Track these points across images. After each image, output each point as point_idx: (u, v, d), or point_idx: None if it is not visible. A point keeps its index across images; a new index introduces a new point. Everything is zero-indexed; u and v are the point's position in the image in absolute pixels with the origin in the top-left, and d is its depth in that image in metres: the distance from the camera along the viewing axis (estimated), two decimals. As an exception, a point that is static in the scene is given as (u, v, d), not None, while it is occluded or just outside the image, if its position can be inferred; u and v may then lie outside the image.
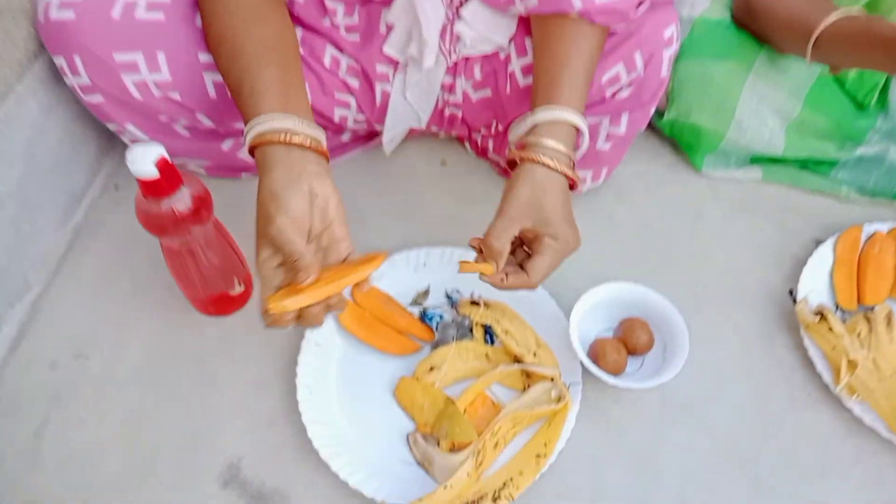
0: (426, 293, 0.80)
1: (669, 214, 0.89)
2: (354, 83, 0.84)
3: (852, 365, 0.71)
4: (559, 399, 0.68)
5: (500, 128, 0.86)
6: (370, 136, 0.95)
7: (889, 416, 0.69)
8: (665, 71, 0.75)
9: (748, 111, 0.87)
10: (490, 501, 0.63)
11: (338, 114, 0.85)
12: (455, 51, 0.80)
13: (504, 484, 0.64)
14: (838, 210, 0.90)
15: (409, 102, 0.85)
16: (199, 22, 0.73)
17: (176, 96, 0.75)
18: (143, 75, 0.71)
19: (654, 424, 0.71)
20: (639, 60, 0.73)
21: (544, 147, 0.62)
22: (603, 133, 0.80)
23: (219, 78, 0.76)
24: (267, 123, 0.59)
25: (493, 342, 0.76)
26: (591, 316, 0.75)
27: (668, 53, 0.74)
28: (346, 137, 0.92)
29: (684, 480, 0.67)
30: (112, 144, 0.92)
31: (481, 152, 0.94)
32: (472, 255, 0.65)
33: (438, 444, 0.67)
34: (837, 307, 0.79)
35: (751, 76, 0.86)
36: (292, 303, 0.55)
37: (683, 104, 0.89)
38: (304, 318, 0.57)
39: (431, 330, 0.76)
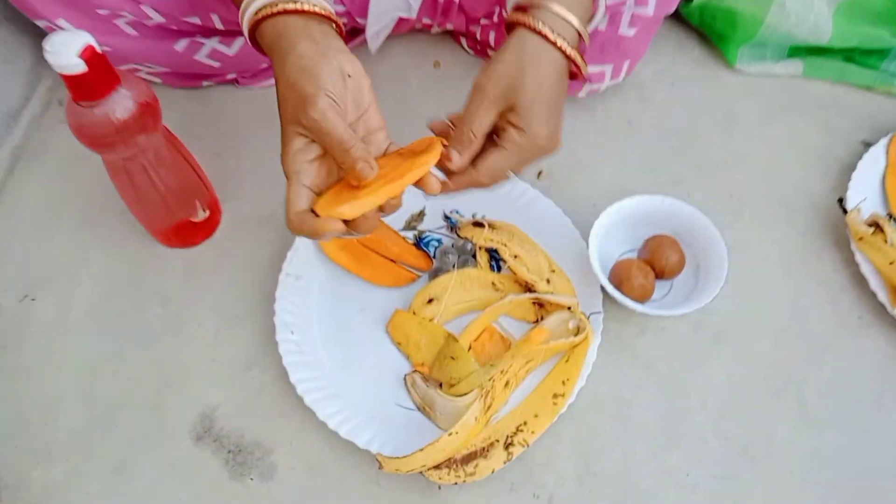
0: (421, 215, 0.69)
1: (698, 116, 0.78)
2: (330, -37, 0.70)
3: (912, 282, 0.62)
4: (578, 331, 0.59)
5: (504, 15, 0.73)
6: (352, 34, 0.81)
7: (954, 339, 0.60)
8: None
9: (792, -10, 0.74)
10: (502, 449, 0.55)
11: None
12: None
13: (517, 429, 0.56)
14: (890, 108, 0.79)
15: (396, -15, 0.71)
16: None
17: None
18: None
19: (685, 355, 0.62)
20: None
21: (548, 12, 0.50)
22: (627, 15, 0.67)
23: None
24: None
25: (499, 269, 0.66)
26: (613, 235, 0.65)
27: None
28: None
29: (720, 417, 0.59)
30: (50, 52, 0.79)
31: (481, 49, 0.81)
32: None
33: (441, 386, 0.59)
34: (891, 217, 0.69)
35: (796, -52, 0.73)
36: (351, 209, 0.44)
37: (718, -18, 0.76)
38: (356, 226, 0.46)
39: (429, 257, 0.67)
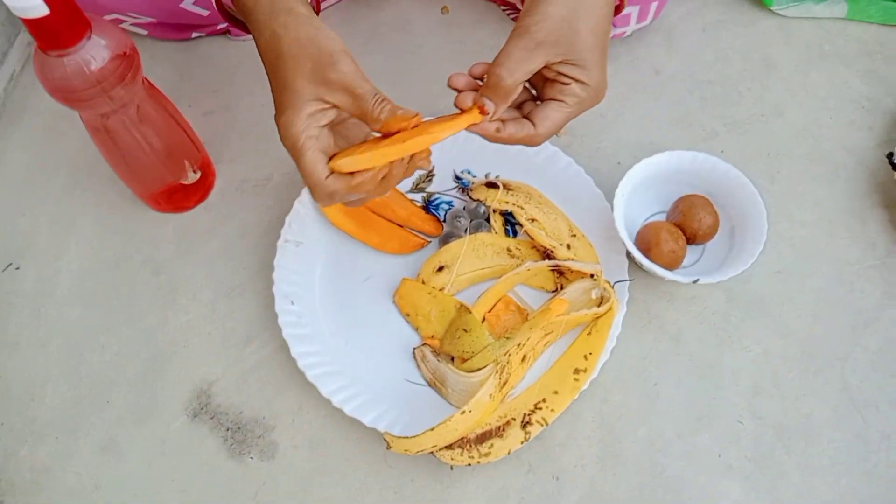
0: (430, 175, 0.64)
1: (732, 64, 0.71)
2: None
3: (970, 246, 0.56)
4: (601, 301, 0.54)
5: None
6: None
7: None
8: None
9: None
10: (519, 428, 0.51)
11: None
12: None
13: (535, 406, 0.52)
14: (943, 53, 0.72)
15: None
16: None
17: None
18: None
19: (717, 328, 0.58)
20: None
21: None
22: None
23: None
24: None
25: (515, 234, 0.61)
26: (640, 196, 0.60)
27: None
28: (321, -20, 0.73)
29: (755, 395, 0.55)
30: None
31: (492, -7, 0.75)
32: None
33: (452, 361, 0.55)
34: (945, 174, 0.63)
35: None
36: (379, 156, 0.43)
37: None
38: (388, 179, 0.45)
39: (438, 221, 0.62)
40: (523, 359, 0.53)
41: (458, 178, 0.64)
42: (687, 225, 0.58)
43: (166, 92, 0.58)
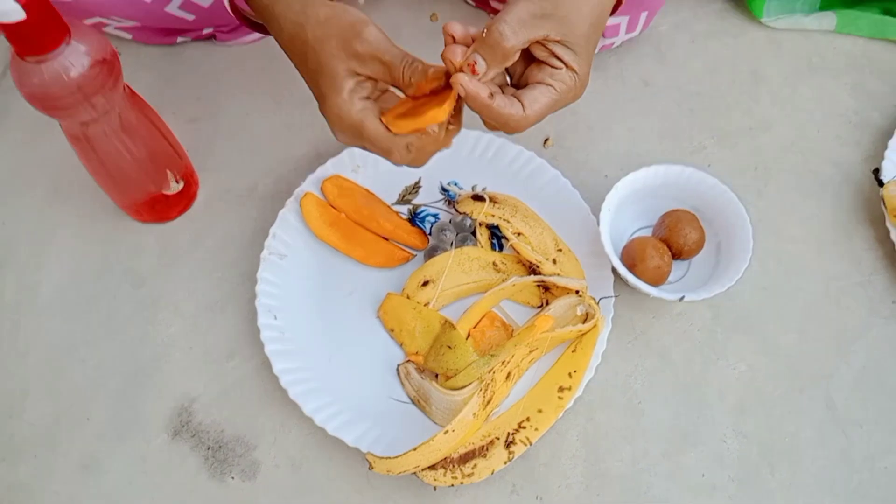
0: (416, 187, 0.64)
1: (720, 76, 0.71)
2: None
3: (954, 264, 0.56)
4: (587, 318, 0.54)
5: None
6: (338, -16, 0.74)
7: None
8: None
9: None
10: (503, 447, 0.51)
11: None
12: None
13: (519, 425, 0.52)
14: (931, 67, 0.72)
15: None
16: None
17: None
18: None
19: (703, 345, 0.57)
20: None
21: None
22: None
23: None
24: None
25: (501, 247, 0.61)
26: (626, 210, 0.60)
27: None
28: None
29: (740, 414, 0.55)
30: None
31: (482, 0, 0.74)
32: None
33: (437, 378, 0.54)
34: (931, 190, 0.63)
35: None
36: (448, 104, 0.43)
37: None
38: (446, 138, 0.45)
39: (424, 234, 0.61)
40: (508, 376, 0.53)
41: (444, 190, 0.64)
42: (673, 240, 0.58)
43: (150, 98, 0.58)
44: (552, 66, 0.44)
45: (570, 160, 0.66)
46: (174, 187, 0.60)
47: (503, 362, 0.52)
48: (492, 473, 0.50)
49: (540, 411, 0.52)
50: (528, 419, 0.52)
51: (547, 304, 0.57)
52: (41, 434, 0.54)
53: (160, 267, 0.61)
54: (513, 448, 0.51)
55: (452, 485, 0.50)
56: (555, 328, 0.54)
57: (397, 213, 0.62)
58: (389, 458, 0.49)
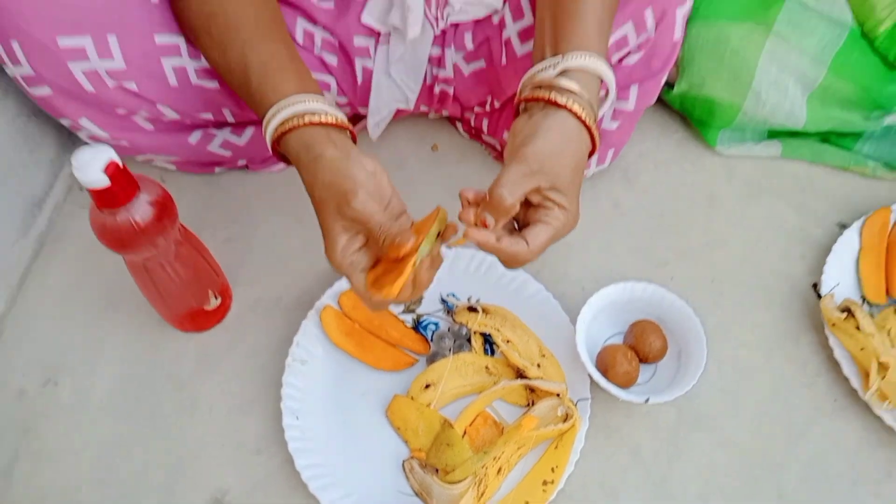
0: (419, 298, 0.74)
1: (681, 198, 0.82)
2: (332, 60, 0.76)
3: (883, 368, 0.65)
4: (566, 418, 0.63)
5: (497, 104, 0.78)
6: (354, 120, 0.87)
7: (924, 424, 0.64)
8: (678, 33, 0.69)
9: (767, 80, 0.79)
10: (494, 534, 0.59)
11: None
12: (443, 16, 0.72)
13: (509, 515, 0.60)
14: (864, 189, 0.83)
15: (394, 80, 0.77)
16: None
17: (132, 86, 0.67)
18: (92, 63, 0.64)
19: (669, 439, 0.66)
20: (650, 19, 0.66)
21: (577, 96, 0.52)
22: (609, 110, 0.72)
23: (179, 63, 0.68)
24: (297, 105, 0.54)
25: (493, 352, 0.70)
26: (600, 319, 0.69)
27: (682, 12, 0.68)
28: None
29: (704, 500, 0.63)
30: (73, 139, 0.84)
31: (475, 134, 0.86)
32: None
33: (437, 472, 0.63)
34: (864, 300, 0.73)
35: (770, 39, 0.78)
36: (399, 283, 0.50)
37: (696, 74, 0.81)
38: (418, 286, 0.53)
39: (426, 341, 0.71)
40: (499, 471, 0.61)
41: (443, 301, 0.74)
42: (640, 347, 0.67)
43: (191, 219, 0.67)
44: (547, 208, 0.53)
45: (551, 273, 0.76)
46: (213, 303, 0.71)
47: (495, 458, 0.61)
48: (485, 560, 0.58)
49: (527, 502, 0.60)
50: (516, 509, 0.60)
51: (533, 403, 0.66)
52: (92, 524, 0.62)
53: (198, 371, 0.70)
54: (503, 535, 0.59)
55: (451, 569, 0.57)
56: (539, 427, 0.62)
57: (403, 321, 0.72)
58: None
